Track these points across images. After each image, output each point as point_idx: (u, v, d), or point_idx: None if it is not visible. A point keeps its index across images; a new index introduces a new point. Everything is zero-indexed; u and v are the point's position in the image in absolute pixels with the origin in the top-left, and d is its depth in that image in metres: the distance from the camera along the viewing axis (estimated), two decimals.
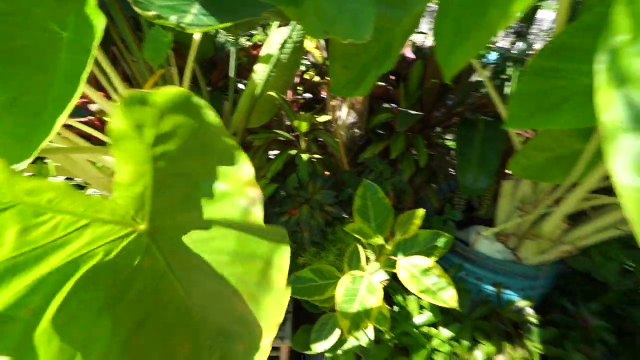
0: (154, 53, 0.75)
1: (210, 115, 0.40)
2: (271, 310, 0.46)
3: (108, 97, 1.01)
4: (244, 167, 0.43)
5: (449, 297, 0.82)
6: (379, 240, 0.93)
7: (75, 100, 0.46)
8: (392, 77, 1.34)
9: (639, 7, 0.34)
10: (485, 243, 1.33)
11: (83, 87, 0.45)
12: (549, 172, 0.89)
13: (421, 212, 0.93)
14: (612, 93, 0.35)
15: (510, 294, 1.33)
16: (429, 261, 0.88)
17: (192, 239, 0.48)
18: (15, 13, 0.54)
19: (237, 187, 0.44)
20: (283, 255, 0.46)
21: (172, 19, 0.44)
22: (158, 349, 0.47)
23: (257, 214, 0.44)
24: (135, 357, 0.46)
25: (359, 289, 0.91)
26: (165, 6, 0.46)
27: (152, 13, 0.43)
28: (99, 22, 0.46)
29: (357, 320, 0.85)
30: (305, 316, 1.35)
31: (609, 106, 0.35)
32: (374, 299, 0.89)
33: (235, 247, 0.46)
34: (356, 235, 0.91)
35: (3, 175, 0.35)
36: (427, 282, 0.86)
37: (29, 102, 0.50)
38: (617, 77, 0.35)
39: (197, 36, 0.92)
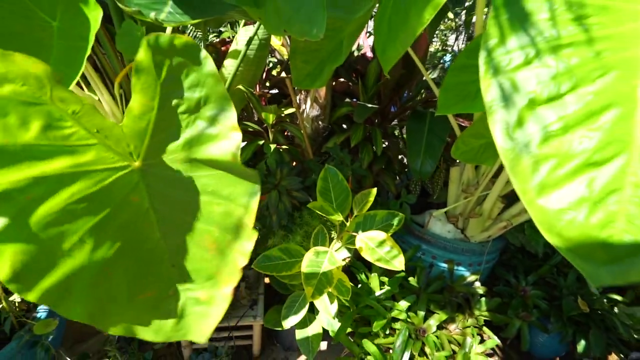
0: (128, 45, 0.82)
1: (210, 64, 0.50)
2: (237, 257, 0.55)
3: (80, 87, 1.06)
4: (232, 114, 0.53)
5: (399, 262, 0.95)
6: (339, 217, 1.05)
7: (73, 83, 0.54)
8: (354, 75, 1.47)
9: (503, 19, 0.48)
10: (438, 225, 1.49)
11: (82, 71, 0.53)
12: (482, 155, 1.05)
13: (373, 191, 1.06)
14: (490, 80, 0.48)
15: (461, 270, 1.50)
16: (383, 234, 1.01)
17: (179, 178, 0.56)
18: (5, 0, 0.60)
19: (225, 131, 0.53)
20: (255, 199, 0.55)
21: (151, 15, 0.53)
22: (126, 287, 0.54)
23: (238, 155, 0.53)
24: (105, 287, 0.52)
25: (323, 261, 1.03)
26: (142, 4, 0.55)
27: (133, 9, 0.52)
28: (95, 14, 0.55)
29: (320, 286, 0.96)
30: (277, 299, 1.44)
31: (488, 90, 0.48)
32: (334, 268, 1.00)
33: (215, 186, 0.55)
34: (318, 212, 1.02)
35: (48, 81, 0.44)
36: (381, 252, 0.99)
37: None
38: (492, 69, 0.48)
39: (168, 31, 0.99)
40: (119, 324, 0.54)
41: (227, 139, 0.54)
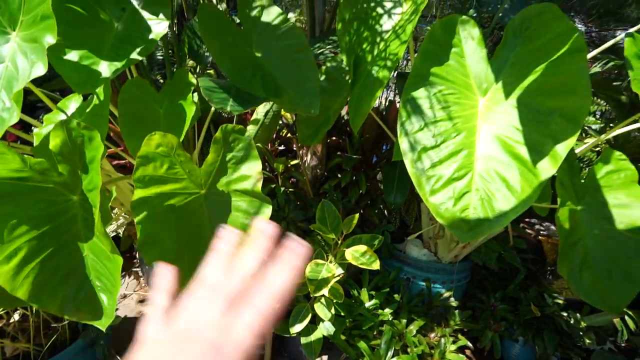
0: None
1: (249, 138, 0.94)
2: None
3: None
4: (259, 166, 0.94)
5: (376, 265, 1.32)
6: (332, 235, 1.43)
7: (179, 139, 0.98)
8: (344, 134, 1.96)
9: (408, 107, 0.93)
10: (415, 250, 1.86)
11: (181, 138, 0.97)
12: None
13: (356, 215, 1.45)
14: (403, 138, 0.93)
15: (437, 287, 1.83)
16: (365, 247, 1.39)
17: (225, 201, 0.96)
18: (137, 99, 1.07)
19: (254, 174, 0.94)
20: (267, 215, 0.95)
21: (227, 109, 0.99)
22: (188, 265, 0.91)
23: (259, 187, 0.94)
24: (178, 262, 0.89)
25: (321, 270, 1.39)
26: (218, 102, 1.02)
27: (217, 106, 0.98)
28: (190, 107, 1.01)
29: (320, 285, 1.31)
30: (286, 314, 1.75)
31: (402, 143, 0.92)
32: (330, 275, 1.36)
33: (245, 207, 0.95)
34: (317, 231, 1.41)
35: (176, 145, 0.87)
36: (363, 259, 1.36)
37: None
38: (404, 132, 0.93)
39: (213, 108, 1.47)
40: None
41: (255, 179, 0.96)
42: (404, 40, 0.92)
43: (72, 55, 1.01)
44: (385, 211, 2.03)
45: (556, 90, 0.78)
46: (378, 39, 1.11)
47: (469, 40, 0.93)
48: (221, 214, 0.96)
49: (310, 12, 1.67)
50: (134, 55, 1.04)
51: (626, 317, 1.68)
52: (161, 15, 1.12)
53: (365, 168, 1.91)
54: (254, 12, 1.27)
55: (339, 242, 1.49)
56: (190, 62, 2.06)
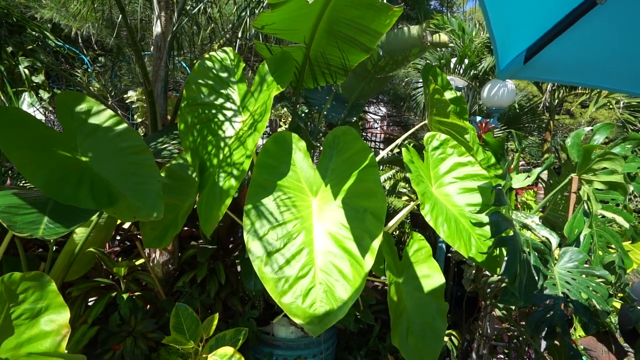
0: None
1: (53, 286, 0.77)
2: None
3: None
4: (66, 316, 0.78)
5: None
6: (191, 345, 1.30)
7: None
8: (197, 221, 1.88)
9: (258, 211, 1.00)
10: (282, 330, 1.86)
11: None
12: None
13: (216, 316, 1.38)
14: (252, 242, 0.97)
15: None
16: (231, 349, 1.31)
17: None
18: None
19: (58, 329, 0.78)
20: None
21: (39, 233, 0.82)
22: None
23: (63, 346, 0.78)
24: None
25: None
26: (24, 226, 0.84)
27: (26, 234, 0.80)
28: None
29: None
30: None
31: (252, 245, 0.96)
32: None
33: None
34: (173, 345, 1.25)
35: None
36: None
37: None
38: (254, 235, 0.97)
39: None
40: None
41: (59, 335, 0.80)
42: (248, 155, 1.01)
43: None
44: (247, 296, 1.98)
45: (365, 193, 1.00)
46: (222, 144, 1.18)
47: (297, 151, 1.10)
48: None
49: (151, 106, 1.65)
50: None
51: (452, 338, 2.10)
52: None
53: (223, 255, 1.87)
54: (80, 114, 1.16)
55: (200, 348, 1.36)
56: None
